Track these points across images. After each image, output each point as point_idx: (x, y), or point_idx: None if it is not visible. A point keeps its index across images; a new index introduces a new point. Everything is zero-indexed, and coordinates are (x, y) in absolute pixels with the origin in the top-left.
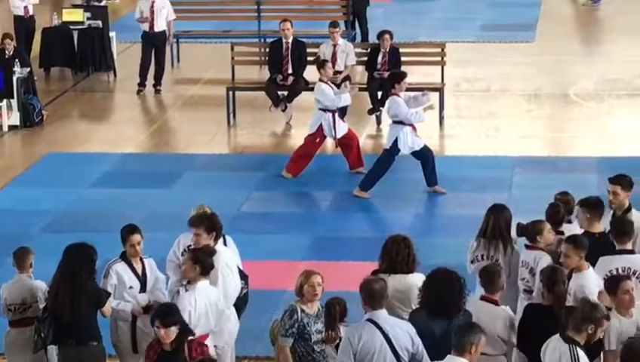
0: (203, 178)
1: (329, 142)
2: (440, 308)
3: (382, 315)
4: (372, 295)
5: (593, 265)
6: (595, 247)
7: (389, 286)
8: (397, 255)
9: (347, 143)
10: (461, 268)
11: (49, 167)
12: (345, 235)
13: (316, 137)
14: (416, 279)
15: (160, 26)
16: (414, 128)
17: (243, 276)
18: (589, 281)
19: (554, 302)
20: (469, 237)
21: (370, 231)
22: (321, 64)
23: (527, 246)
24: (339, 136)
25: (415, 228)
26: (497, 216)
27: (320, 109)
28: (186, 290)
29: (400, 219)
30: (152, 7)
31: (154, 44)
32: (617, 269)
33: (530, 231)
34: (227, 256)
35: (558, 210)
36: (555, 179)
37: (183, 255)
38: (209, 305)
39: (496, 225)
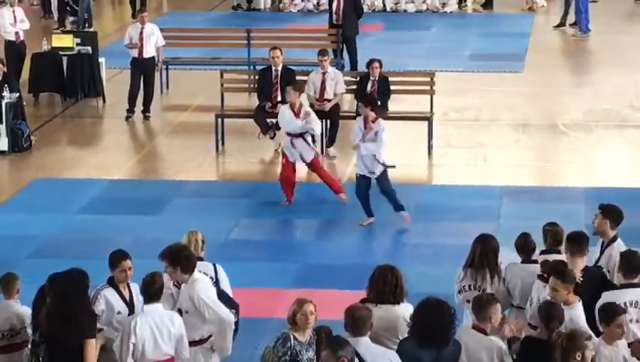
0: (191, 205)
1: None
2: (429, 338)
3: (363, 342)
4: (353, 322)
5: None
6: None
7: (376, 316)
8: (384, 285)
9: (314, 171)
10: (449, 298)
11: (37, 192)
12: (332, 263)
13: (283, 160)
14: (404, 310)
15: (149, 52)
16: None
17: (233, 304)
18: (581, 313)
19: (549, 337)
20: (456, 266)
21: (357, 259)
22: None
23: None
24: (307, 160)
25: (403, 257)
26: (484, 245)
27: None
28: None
29: (387, 247)
30: (142, 33)
31: (143, 70)
32: (626, 303)
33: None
34: (204, 280)
35: (529, 241)
36: (543, 209)
37: (174, 285)
38: (156, 330)
39: (482, 255)
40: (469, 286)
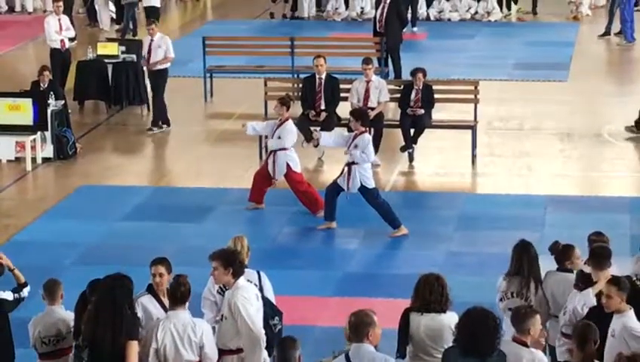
0: (235, 212)
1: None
2: (473, 347)
3: (359, 349)
4: (349, 327)
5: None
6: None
7: (422, 324)
8: (430, 294)
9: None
10: (493, 307)
11: (82, 199)
12: (376, 272)
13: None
14: (450, 318)
15: (156, 64)
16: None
17: (277, 312)
18: (634, 321)
19: (583, 360)
20: (500, 275)
21: (401, 267)
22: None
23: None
24: (277, 176)
25: (447, 266)
26: (523, 253)
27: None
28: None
29: (431, 256)
30: (150, 45)
31: (151, 83)
32: None
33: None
34: (248, 290)
35: (563, 248)
36: (588, 218)
37: (218, 292)
38: (177, 336)
39: (523, 263)
40: (511, 293)
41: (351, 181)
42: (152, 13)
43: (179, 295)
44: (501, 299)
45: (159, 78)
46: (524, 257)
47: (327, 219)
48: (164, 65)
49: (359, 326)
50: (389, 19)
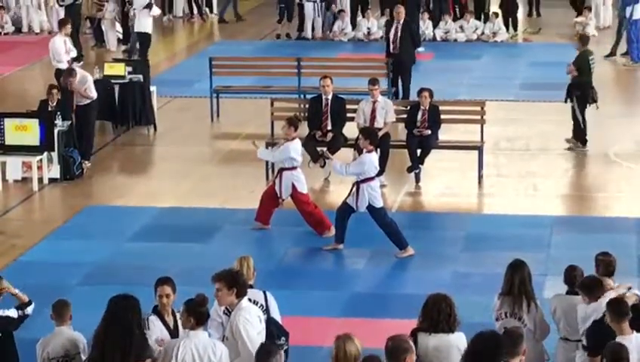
0: (241, 233)
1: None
2: None
3: None
4: (385, 352)
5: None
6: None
7: (430, 345)
8: (438, 314)
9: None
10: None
11: (88, 219)
12: (383, 292)
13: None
14: (457, 339)
15: (79, 99)
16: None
17: (284, 332)
18: (634, 346)
19: None
20: (495, 295)
21: (408, 288)
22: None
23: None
24: (283, 196)
25: (453, 286)
26: (517, 272)
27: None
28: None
29: (438, 276)
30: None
31: (77, 118)
32: None
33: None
34: (251, 311)
35: (575, 274)
36: (594, 239)
37: (224, 313)
38: (197, 356)
39: (516, 282)
40: (506, 313)
41: (359, 199)
42: (143, 39)
43: (202, 315)
44: (497, 319)
45: (86, 113)
46: (515, 276)
47: (336, 241)
48: (86, 102)
49: (397, 352)
50: (402, 39)
